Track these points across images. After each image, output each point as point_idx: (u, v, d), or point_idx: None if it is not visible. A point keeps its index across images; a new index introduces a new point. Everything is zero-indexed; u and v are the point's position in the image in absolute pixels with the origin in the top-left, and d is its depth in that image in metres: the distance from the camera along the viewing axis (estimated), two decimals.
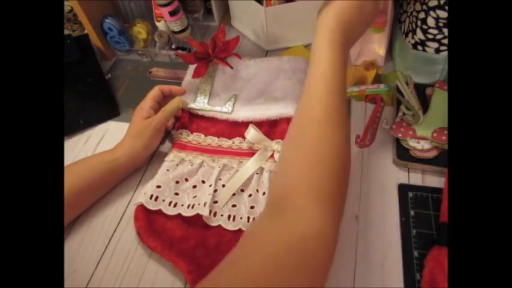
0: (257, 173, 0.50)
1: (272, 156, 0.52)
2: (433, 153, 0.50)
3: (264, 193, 0.48)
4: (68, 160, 0.57)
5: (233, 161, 0.52)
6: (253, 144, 0.53)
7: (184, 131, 0.56)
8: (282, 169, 0.37)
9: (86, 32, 0.69)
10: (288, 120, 0.54)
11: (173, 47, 0.70)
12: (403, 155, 0.51)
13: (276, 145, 0.52)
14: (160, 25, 0.71)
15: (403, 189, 0.49)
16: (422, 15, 0.53)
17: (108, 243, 0.48)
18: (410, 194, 0.48)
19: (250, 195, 0.48)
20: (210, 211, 0.46)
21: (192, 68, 0.61)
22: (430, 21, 0.52)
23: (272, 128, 0.55)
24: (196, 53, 0.59)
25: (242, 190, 0.49)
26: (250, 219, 0.46)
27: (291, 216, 0.31)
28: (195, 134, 0.56)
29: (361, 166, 0.52)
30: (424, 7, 0.52)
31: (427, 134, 0.51)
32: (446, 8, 0.50)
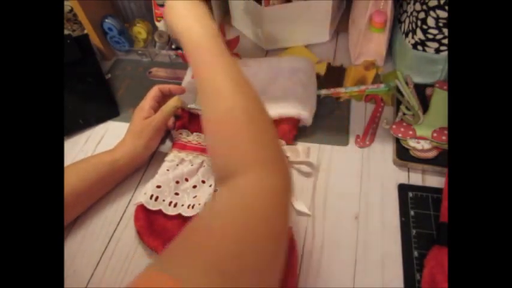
0: None
1: None
2: (433, 153, 0.50)
3: None
4: (68, 160, 0.57)
5: None
6: None
7: (184, 131, 0.56)
8: (215, 148, 0.38)
9: (86, 32, 0.69)
10: (288, 119, 0.54)
11: (173, 47, 0.70)
12: (403, 155, 0.51)
13: None
14: (160, 25, 0.71)
15: (403, 189, 0.49)
16: (422, 15, 0.53)
17: (108, 243, 0.48)
18: (410, 194, 0.48)
19: None
20: None
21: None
22: (430, 21, 0.52)
23: None
24: None
25: None
26: None
27: (240, 181, 0.33)
28: (195, 134, 0.56)
29: (361, 166, 0.52)
30: (424, 7, 0.52)
31: (427, 134, 0.51)
32: (446, 8, 0.50)
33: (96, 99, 0.65)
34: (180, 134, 0.56)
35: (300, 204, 0.48)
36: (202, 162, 0.53)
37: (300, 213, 0.48)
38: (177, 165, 0.52)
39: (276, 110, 0.54)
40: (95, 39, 0.69)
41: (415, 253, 0.43)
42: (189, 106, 0.58)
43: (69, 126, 0.61)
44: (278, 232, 0.32)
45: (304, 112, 0.54)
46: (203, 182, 0.51)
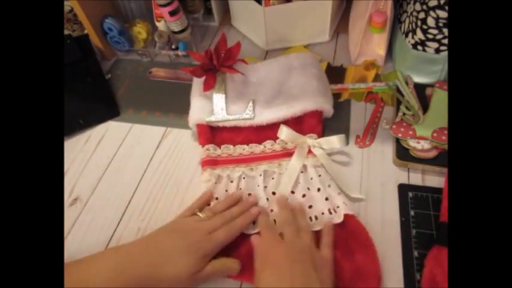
0: (302, 172, 0.50)
1: (310, 151, 0.51)
2: (433, 153, 0.50)
3: (318, 189, 0.47)
4: (68, 160, 0.57)
5: (272, 165, 0.51)
6: (286, 143, 0.52)
7: (211, 146, 0.53)
8: None
9: (86, 32, 0.69)
10: (312, 113, 0.53)
11: (173, 47, 0.71)
12: (403, 155, 0.51)
13: (309, 140, 0.51)
14: (160, 25, 0.71)
15: (403, 189, 0.49)
16: (422, 15, 0.53)
17: (108, 244, 0.48)
18: (410, 194, 0.48)
19: (304, 196, 0.48)
20: None
21: (196, 81, 0.59)
22: (430, 21, 0.52)
23: (298, 125, 0.54)
24: (202, 66, 0.57)
25: (292, 192, 0.48)
26: (313, 219, 0.46)
27: None
28: (222, 146, 0.54)
29: (361, 166, 0.52)
30: (424, 7, 0.52)
31: (427, 134, 0.51)
32: (446, 8, 0.50)
33: (96, 99, 0.65)
34: (208, 150, 0.53)
35: (353, 191, 0.48)
36: (241, 175, 0.51)
37: (354, 199, 0.48)
38: (215, 183, 0.50)
39: (299, 106, 0.54)
40: (95, 39, 0.69)
41: (415, 253, 0.43)
42: (207, 120, 0.55)
43: (69, 126, 0.61)
44: None
45: (325, 104, 0.54)
46: (249, 195, 0.49)
